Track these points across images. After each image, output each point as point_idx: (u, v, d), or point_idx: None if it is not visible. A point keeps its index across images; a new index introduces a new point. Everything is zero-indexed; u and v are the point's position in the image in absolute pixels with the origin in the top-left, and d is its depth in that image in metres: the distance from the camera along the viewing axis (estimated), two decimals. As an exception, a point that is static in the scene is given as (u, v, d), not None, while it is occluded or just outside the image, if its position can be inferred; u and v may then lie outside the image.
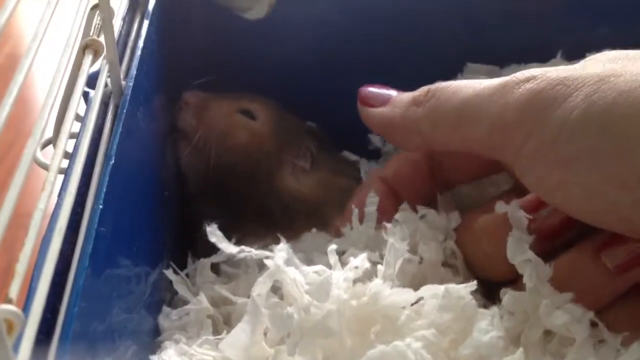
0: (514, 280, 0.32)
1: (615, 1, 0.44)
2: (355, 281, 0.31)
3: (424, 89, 0.34)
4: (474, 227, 0.34)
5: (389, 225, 0.34)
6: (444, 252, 0.34)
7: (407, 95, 0.35)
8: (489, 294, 0.32)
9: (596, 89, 0.27)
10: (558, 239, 0.31)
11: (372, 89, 0.36)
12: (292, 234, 0.36)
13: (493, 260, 0.32)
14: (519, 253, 0.30)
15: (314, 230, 0.37)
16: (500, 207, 0.32)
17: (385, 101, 0.35)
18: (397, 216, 0.35)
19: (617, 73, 0.27)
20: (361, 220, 0.36)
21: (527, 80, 0.29)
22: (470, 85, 0.31)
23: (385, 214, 0.36)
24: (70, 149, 0.29)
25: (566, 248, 0.31)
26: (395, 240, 0.32)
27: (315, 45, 0.45)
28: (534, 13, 0.45)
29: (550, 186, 0.29)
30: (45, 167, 0.33)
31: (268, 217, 0.40)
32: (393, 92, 0.36)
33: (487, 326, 0.29)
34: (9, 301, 0.19)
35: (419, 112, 0.33)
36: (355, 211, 0.36)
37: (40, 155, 0.35)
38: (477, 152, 0.32)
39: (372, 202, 0.36)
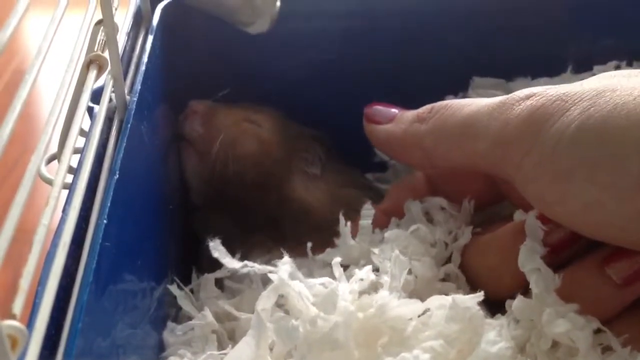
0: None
1: (619, 13, 0.44)
2: (360, 293, 0.31)
3: (427, 106, 0.35)
4: (480, 241, 0.34)
5: (375, 250, 0.34)
6: (445, 271, 0.34)
7: (411, 112, 0.36)
8: (492, 311, 0.32)
9: (592, 103, 0.28)
10: (562, 253, 0.31)
11: (378, 107, 0.38)
12: (300, 248, 0.36)
13: (498, 274, 0.32)
14: (530, 262, 0.30)
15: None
16: (518, 215, 0.32)
17: (390, 118, 0.37)
18: (387, 234, 0.35)
19: (612, 88, 0.28)
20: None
21: (527, 97, 0.30)
22: (473, 103, 0.33)
23: None
24: (74, 164, 0.29)
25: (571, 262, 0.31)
26: (383, 259, 0.32)
27: (319, 58, 0.46)
28: (539, 26, 0.45)
29: (551, 200, 0.29)
30: (50, 183, 0.33)
31: (276, 229, 0.40)
32: (398, 110, 0.37)
33: (495, 337, 0.29)
34: (12, 317, 0.19)
35: (422, 128, 0.34)
36: (348, 225, 0.36)
37: (44, 170, 0.35)
38: (478, 167, 0.33)
39: (367, 215, 0.37)
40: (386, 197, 0.39)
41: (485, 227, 0.35)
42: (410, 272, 0.33)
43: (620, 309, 0.30)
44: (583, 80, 0.30)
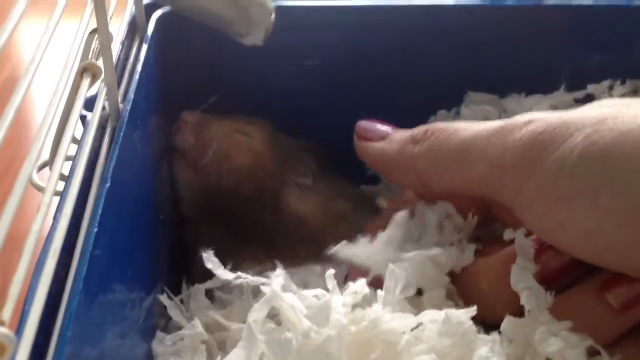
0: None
1: (613, 30, 0.44)
2: (354, 306, 0.31)
3: (422, 127, 0.34)
4: (473, 267, 0.34)
5: (393, 267, 0.33)
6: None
7: (405, 133, 0.35)
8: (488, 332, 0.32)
9: (595, 130, 0.28)
10: (559, 282, 0.31)
11: (369, 123, 0.37)
12: (292, 259, 0.36)
13: (490, 298, 0.32)
14: (522, 280, 0.30)
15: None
16: (508, 234, 0.32)
17: (382, 136, 0.36)
18: (408, 255, 0.34)
19: (613, 115, 0.28)
20: None
21: (527, 123, 0.30)
22: (469, 127, 0.32)
23: None
24: (66, 172, 0.29)
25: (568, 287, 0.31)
26: (397, 283, 0.32)
27: (313, 71, 0.46)
28: (533, 43, 0.45)
29: (550, 225, 0.29)
30: (41, 190, 0.33)
31: (268, 241, 0.40)
32: (390, 128, 0.36)
33: (488, 353, 0.28)
34: (1, 323, 0.19)
35: (417, 150, 0.34)
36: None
37: (36, 177, 0.35)
38: (473, 192, 0.32)
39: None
40: (385, 216, 0.38)
41: (482, 248, 0.35)
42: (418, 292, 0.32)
43: (617, 335, 0.30)
44: (583, 107, 0.30)
